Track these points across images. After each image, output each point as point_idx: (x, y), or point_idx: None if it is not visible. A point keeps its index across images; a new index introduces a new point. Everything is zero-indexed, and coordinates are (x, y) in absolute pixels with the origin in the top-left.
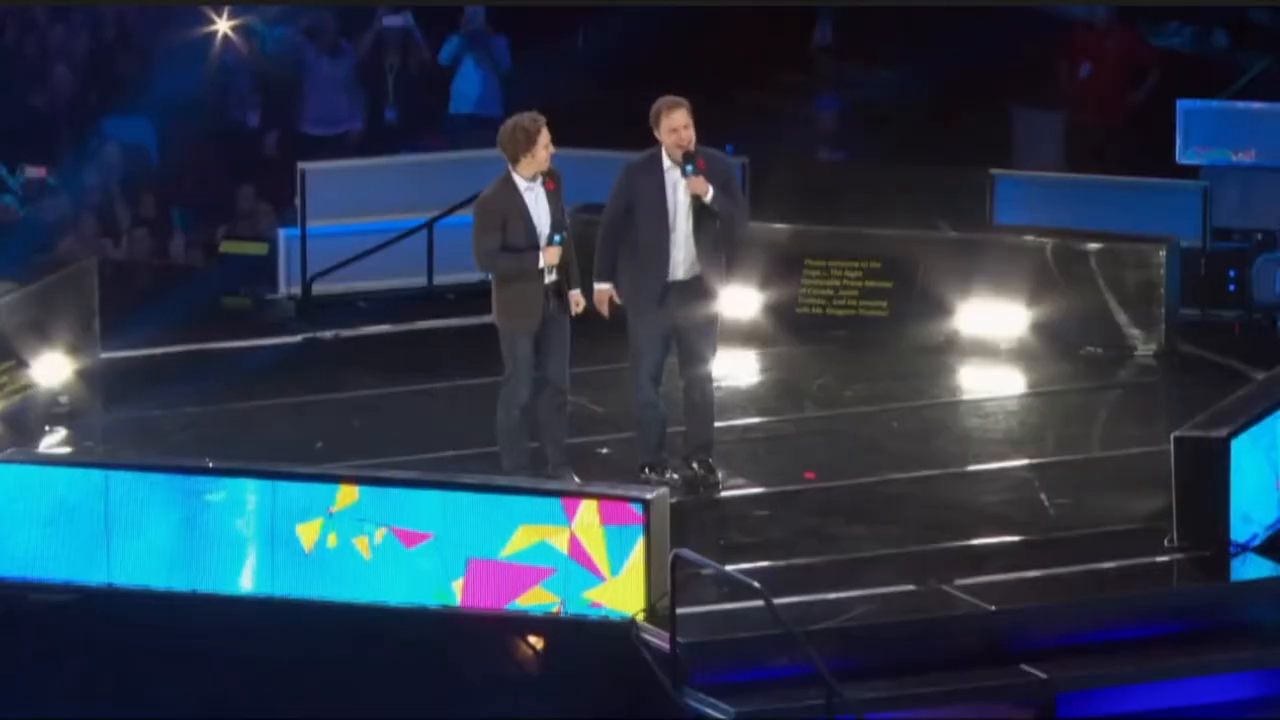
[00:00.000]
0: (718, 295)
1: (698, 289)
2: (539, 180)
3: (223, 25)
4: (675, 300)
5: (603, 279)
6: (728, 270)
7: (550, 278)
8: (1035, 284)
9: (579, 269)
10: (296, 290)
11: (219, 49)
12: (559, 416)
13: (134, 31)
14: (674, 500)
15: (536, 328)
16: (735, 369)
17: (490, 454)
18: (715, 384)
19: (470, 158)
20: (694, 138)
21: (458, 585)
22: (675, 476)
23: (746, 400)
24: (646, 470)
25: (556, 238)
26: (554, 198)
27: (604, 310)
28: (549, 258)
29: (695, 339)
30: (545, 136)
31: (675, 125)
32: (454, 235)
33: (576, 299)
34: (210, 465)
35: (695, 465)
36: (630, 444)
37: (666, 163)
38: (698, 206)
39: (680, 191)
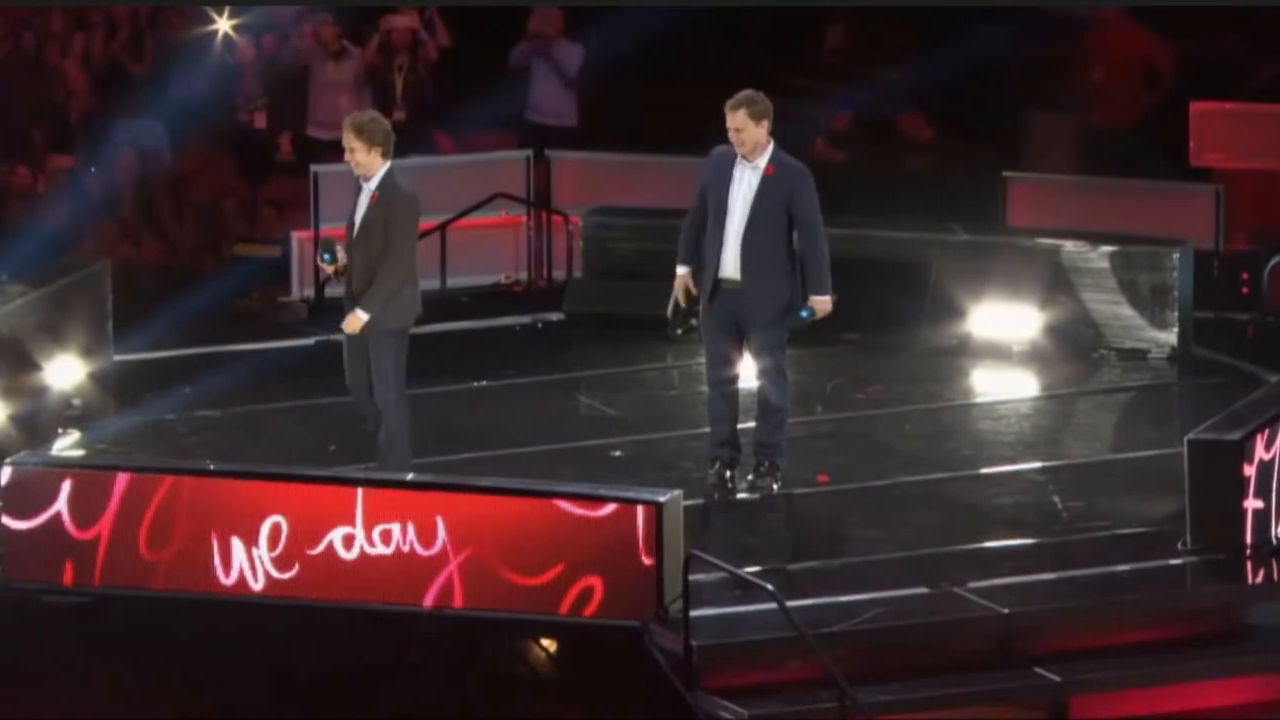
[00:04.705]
0: (770, 300)
1: (748, 290)
2: (368, 184)
3: (223, 24)
4: (729, 298)
5: (680, 263)
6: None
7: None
8: (1048, 287)
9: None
10: (309, 293)
11: (219, 48)
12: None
13: (144, 33)
14: (688, 503)
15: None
16: (746, 372)
17: (499, 456)
18: None
19: (483, 160)
20: (745, 142)
21: (468, 587)
22: (728, 472)
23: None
24: (711, 463)
25: (326, 256)
26: (371, 210)
27: (681, 297)
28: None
29: (751, 338)
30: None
31: (730, 125)
32: (467, 238)
33: (351, 319)
34: (211, 467)
35: (757, 463)
36: (643, 446)
37: (736, 157)
38: (756, 207)
39: (740, 188)
